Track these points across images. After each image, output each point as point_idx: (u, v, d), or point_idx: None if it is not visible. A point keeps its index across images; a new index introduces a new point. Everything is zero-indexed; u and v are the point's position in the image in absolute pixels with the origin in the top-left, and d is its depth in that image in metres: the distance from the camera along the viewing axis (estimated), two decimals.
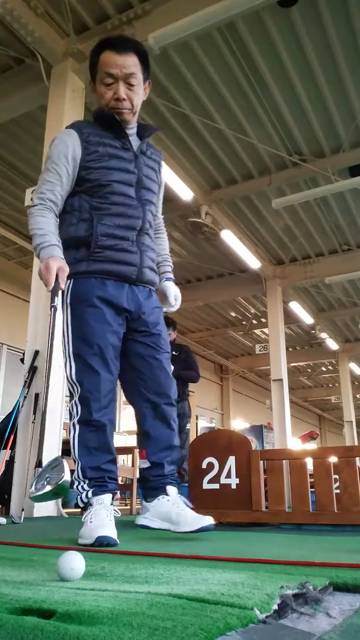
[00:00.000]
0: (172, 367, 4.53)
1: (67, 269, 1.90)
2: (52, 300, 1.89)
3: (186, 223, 7.51)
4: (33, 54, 4.75)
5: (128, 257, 2.01)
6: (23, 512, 3.28)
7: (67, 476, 1.55)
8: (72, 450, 1.94)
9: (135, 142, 2.12)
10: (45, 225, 1.95)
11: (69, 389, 2.00)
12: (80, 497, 1.90)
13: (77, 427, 1.96)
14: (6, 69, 5.27)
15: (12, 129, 5.98)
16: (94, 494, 1.90)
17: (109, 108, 2.02)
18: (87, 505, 1.91)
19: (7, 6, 4.24)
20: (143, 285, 2.11)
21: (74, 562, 1.03)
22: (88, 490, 1.90)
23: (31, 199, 4.71)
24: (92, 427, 1.95)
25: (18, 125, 5.90)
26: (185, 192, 6.77)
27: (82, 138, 2.00)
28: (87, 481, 1.91)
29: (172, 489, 2.07)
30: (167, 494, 2.05)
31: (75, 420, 1.97)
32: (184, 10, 4.28)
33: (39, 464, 1.68)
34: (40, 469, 1.65)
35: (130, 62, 1.98)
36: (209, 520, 1.92)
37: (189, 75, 5.37)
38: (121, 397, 11.70)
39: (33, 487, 1.58)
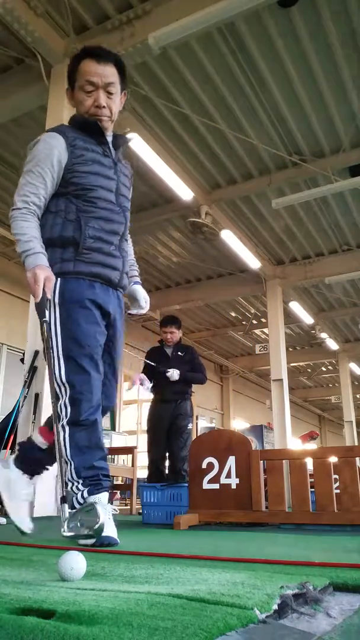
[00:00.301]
0: (177, 371, 4.50)
1: (53, 279, 1.90)
2: (42, 315, 1.88)
3: (186, 223, 7.51)
4: (33, 54, 4.76)
5: (113, 261, 2.05)
6: None
7: (101, 522, 1.50)
8: (62, 451, 1.90)
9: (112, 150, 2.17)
10: (30, 231, 1.94)
11: (56, 390, 1.96)
12: (76, 498, 1.89)
13: (67, 428, 1.93)
14: (6, 69, 5.27)
15: (13, 128, 5.98)
16: (90, 493, 1.88)
17: (89, 114, 2.06)
18: None
19: (7, 6, 4.24)
20: (120, 290, 2.17)
21: (75, 562, 1.03)
22: (83, 490, 1.88)
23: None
24: (82, 426, 1.93)
25: (18, 125, 5.89)
26: (185, 192, 6.77)
27: (67, 142, 2.01)
28: (81, 481, 1.89)
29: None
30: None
31: (65, 421, 1.93)
32: (184, 10, 4.28)
33: (64, 499, 1.60)
34: (67, 507, 1.59)
35: (110, 72, 2.05)
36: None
37: (189, 75, 5.37)
38: (121, 397, 11.73)
39: (65, 527, 1.53)
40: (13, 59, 5.13)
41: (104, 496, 1.91)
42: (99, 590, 0.93)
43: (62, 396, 1.96)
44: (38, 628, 0.64)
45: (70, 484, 1.89)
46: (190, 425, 4.62)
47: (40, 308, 1.87)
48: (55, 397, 1.94)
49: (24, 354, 4.44)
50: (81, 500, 1.87)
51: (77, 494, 1.88)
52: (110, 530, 1.76)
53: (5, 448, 3.99)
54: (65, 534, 1.51)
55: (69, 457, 1.90)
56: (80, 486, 1.89)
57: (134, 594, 0.88)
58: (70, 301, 1.97)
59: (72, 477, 1.90)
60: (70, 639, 0.62)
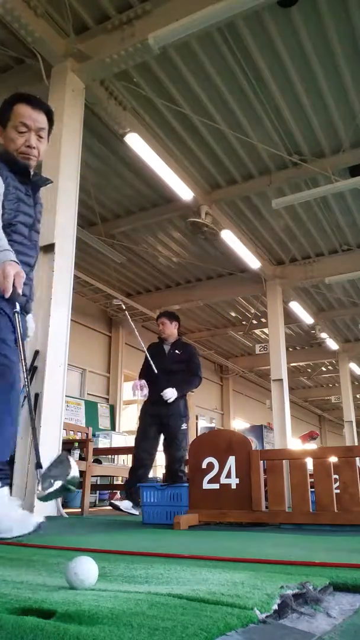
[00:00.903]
0: (174, 392, 4.41)
1: (23, 274, 1.97)
2: (14, 307, 1.98)
3: (186, 223, 7.51)
4: (33, 54, 4.75)
5: (23, 289, 2.17)
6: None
7: (74, 471, 1.55)
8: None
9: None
10: None
11: None
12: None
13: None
14: (6, 69, 5.27)
15: None
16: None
17: (18, 152, 2.22)
18: None
19: (7, 6, 4.24)
20: (25, 314, 2.28)
21: (87, 571, 0.95)
22: None
23: None
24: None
25: None
26: (185, 192, 6.77)
27: (2, 177, 2.13)
28: None
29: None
30: None
31: None
32: (184, 10, 4.27)
33: (38, 465, 1.68)
34: (41, 470, 1.66)
35: (42, 119, 2.25)
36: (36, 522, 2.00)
37: (189, 75, 5.37)
38: (121, 397, 11.72)
39: (39, 487, 1.59)
40: (13, 59, 5.13)
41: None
42: (99, 590, 0.93)
43: None
44: (38, 628, 0.64)
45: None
46: (184, 426, 4.49)
47: (11, 302, 1.97)
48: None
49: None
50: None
51: None
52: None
53: None
54: (40, 495, 1.60)
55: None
56: None
57: (134, 594, 0.88)
58: None
59: None
60: (70, 639, 0.62)
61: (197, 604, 0.80)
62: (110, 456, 7.17)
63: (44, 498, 1.62)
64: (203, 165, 6.90)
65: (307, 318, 11.08)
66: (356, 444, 14.00)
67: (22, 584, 1.01)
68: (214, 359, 15.20)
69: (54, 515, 3.79)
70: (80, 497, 5.07)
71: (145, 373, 4.59)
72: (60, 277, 4.17)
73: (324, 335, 12.55)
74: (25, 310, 2.23)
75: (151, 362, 4.54)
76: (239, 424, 16.17)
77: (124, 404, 11.49)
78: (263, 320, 11.73)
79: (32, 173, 2.27)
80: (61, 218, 4.37)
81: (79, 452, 5.36)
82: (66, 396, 4.15)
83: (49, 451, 3.85)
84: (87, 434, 5.78)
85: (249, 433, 13.62)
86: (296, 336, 13.48)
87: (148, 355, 4.61)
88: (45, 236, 4.23)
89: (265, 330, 11.60)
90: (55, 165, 4.47)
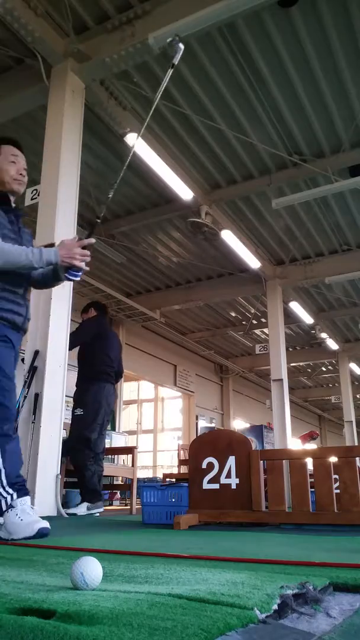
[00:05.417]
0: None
1: (79, 248, 2.29)
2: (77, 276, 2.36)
3: (186, 223, 7.51)
4: (33, 54, 4.75)
5: (18, 308, 2.37)
6: None
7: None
8: None
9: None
10: (16, 247, 2.25)
11: None
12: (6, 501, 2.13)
13: None
14: (6, 69, 5.27)
15: (13, 128, 5.98)
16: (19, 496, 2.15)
17: (13, 179, 2.46)
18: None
19: (7, 6, 4.24)
20: (23, 332, 2.46)
21: (93, 572, 0.93)
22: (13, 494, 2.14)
23: (31, 198, 4.71)
24: (8, 438, 2.20)
25: (18, 125, 5.89)
26: (185, 192, 6.76)
27: None
28: (11, 486, 2.15)
29: None
30: None
31: None
32: (184, 10, 4.27)
33: None
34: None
35: (24, 161, 2.57)
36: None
37: (189, 75, 5.37)
38: (122, 397, 11.71)
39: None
40: (13, 59, 5.13)
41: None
42: (99, 590, 0.93)
43: None
44: (38, 628, 0.64)
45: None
46: (78, 411, 4.44)
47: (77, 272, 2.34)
48: None
49: (24, 353, 4.44)
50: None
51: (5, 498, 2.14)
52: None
53: None
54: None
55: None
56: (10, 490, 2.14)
57: (134, 594, 0.88)
58: None
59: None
60: (70, 639, 0.62)
61: (197, 604, 0.80)
62: (110, 456, 7.17)
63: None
64: (203, 165, 6.90)
65: (307, 318, 11.08)
66: (356, 444, 14.00)
67: (22, 584, 1.01)
68: (214, 359, 15.20)
69: (54, 516, 3.79)
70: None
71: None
72: None
73: (324, 335, 12.55)
74: (22, 329, 2.43)
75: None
76: (239, 424, 16.17)
77: (123, 404, 11.50)
78: (263, 320, 11.73)
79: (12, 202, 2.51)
80: (61, 218, 4.36)
81: None
82: (66, 396, 4.16)
83: (49, 451, 3.86)
84: None
85: (249, 433, 13.61)
86: (296, 336, 13.48)
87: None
88: (45, 236, 4.23)
89: (265, 330, 11.60)
90: (55, 165, 4.47)
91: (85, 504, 4.24)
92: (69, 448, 4.30)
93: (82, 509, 4.18)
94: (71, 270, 2.35)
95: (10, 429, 2.24)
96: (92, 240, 2.36)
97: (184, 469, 6.34)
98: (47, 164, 4.55)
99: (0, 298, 2.31)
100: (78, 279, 2.40)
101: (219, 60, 5.20)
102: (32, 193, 4.70)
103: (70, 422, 4.53)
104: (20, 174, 2.50)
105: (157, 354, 12.65)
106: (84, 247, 2.32)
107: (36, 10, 4.49)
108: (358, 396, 18.37)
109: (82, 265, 2.31)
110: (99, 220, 2.43)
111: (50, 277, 2.47)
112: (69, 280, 2.41)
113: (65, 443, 4.25)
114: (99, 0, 4.62)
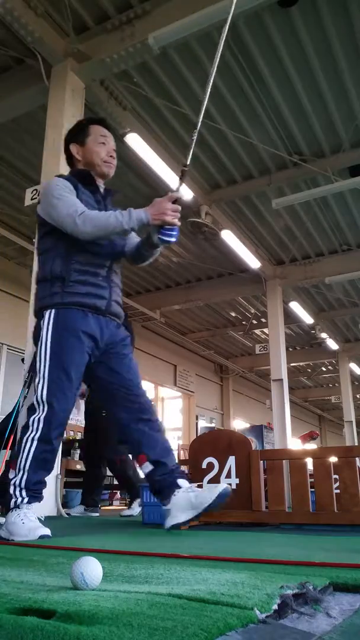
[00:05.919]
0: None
1: (169, 204, 2.23)
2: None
3: (186, 223, 7.50)
4: (33, 54, 4.75)
5: (99, 291, 2.25)
6: None
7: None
8: (19, 458, 2.11)
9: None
10: (102, 214, 2.17)
11: (34, 404, 2.14)
12: (15, 501, 2.09)
13: (35, 443, 2.10)
14: (6, 69, 5.27)
15: (13, 128, 5.98)
16: (29, 502, 2.10)
17: (103, 161, 2.42)
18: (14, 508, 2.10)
19: (7, 6, 4.24)
20: (110, 317, 2.32)
21: (93, 572, 0.93)
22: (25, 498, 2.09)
23: (31, 198, 4.71)
24: (50, 446, 2.13)
25: (18, 125, 5.89)
26: (185, 192, 6.76)
27: (73, 185, 2.31)
28: (26, 491, 2.09)
29: (182, 482, 2.13)
30: (178, 487, 2.15)
31: (35, 435, 2.10)
32: (184, 10, 4.27)
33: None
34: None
35: (113, 142, 2.53)
36: (223, 486, 2.07)
37: (189, 75, 5.37)
38: None
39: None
40: (13, 59, 5.13)
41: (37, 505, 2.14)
42: (99, 590, 0.93)
43: (38, 412, 2.12)
44: (38, 628, 0.64)
45: (12, 488, 2.09)
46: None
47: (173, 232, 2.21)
48: (32, 410, 2.14)
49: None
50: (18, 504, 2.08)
51: (17, 499, 2.09)
52: (46, 530, 2.03)
53: (5, 448, 3.98)
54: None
55: (24, 467, 2.09)
56: (24, 494, 2.09)
57: (134, 594, 0.88)
58: (63, 329, 2.15)
59: (19, 484, 2.09)
60: (70, 639, 0.62)
61: (197, 604, 0.80)
62: None
63: None
64: (203, 165, 6.89)
65: (307, 318, 11.08)
66: (356, 444, 14.00)
67: (22, 584, 1.01)
68: (214, 359, 15.20)
69: (54, 516, 3.79)
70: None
71: None
72: None
73: (324, 335, 12.54)
74: (109, 313, 2.29)
75: None
76: (239, 424, 16.17)
77: None
78: (263, 320, 11.73)
79: (100, 183, 2.47)
80: None
81: (79, 452, 5.36)
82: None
83: None
84: None
85: (249, 433, 13.58)
86: (296, 336, 13.48)
87: None
88: None
89: (265, 330, 11.60)
90: (55, 165, 4.47)
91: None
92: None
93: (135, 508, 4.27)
94: (164, 230, 2.20)
95: (56, 437, 2.14)
96: (181, 194, 2.23)
97: (184, 469, 6.33)
98: (47, 164, 4.55)
99: (74, 282, 2.20)
100: (173, 239, 2.22)
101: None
102: (32, 193, 4.70)
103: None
104: (111, 156, 2.47)
105: (157, 354, 12.65)
106: (174, 202, 2.19)
107: (36, 10, 4.49)
108: (358, 396, 18.37)
109: (175, 221, 2.19)
110: (186, 168, 2.31)
111: (145, 245, 2.35)
112: (164, 242, 2.25)
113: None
114: (99, 0, 4.62)
